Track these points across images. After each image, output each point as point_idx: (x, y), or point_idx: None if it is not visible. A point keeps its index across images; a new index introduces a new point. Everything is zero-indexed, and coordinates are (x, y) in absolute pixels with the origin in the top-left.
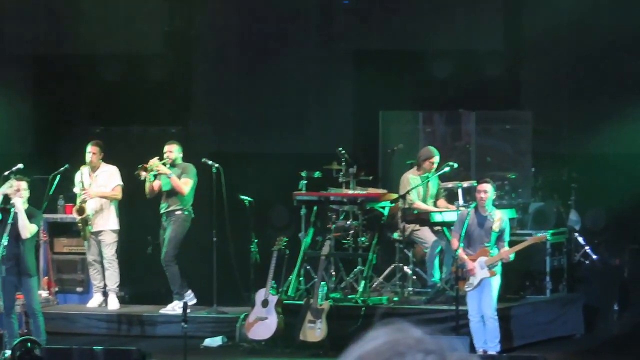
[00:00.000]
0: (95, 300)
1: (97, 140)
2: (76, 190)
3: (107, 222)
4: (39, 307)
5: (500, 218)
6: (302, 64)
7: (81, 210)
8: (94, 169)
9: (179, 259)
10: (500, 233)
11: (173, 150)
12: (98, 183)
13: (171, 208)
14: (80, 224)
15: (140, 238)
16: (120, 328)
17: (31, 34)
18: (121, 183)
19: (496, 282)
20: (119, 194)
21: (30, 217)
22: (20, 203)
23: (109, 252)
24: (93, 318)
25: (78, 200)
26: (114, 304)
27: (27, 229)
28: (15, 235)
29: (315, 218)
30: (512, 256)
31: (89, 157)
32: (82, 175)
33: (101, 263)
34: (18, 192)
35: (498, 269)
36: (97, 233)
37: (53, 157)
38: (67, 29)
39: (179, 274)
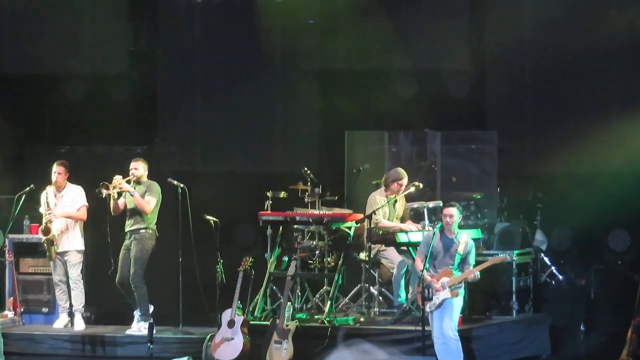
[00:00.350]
0: (61, 321)
1: (63, 160)
2: (42, 210)
3: (73, 243)
4: None
5: (465, 241)
6: (268, 83)
7: (47, 231)
8: (59, 188)
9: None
10: (465, 256)
11: (139, 167)
12: (63, 203)
13: (135, 226)
14: (45, 244)
15: (106, 258)
16: (86, 349)
17: None
18: (86, 204)
19: (458, 302)
20: (84, 215)
21: None
22: None
23: (75, 272)
24: (59, 339)
25: (44, 220)
26: (80, 325)
27: None
28: None
29: (281, 238)
30: (478, 274)
31: (54, 176)
32: (47, 196)
33: (67, 283)
34: None
35: (461, 290)
36: (63, 253)
37: (18, 177)
38: (33, 48)
39: (147, 295)
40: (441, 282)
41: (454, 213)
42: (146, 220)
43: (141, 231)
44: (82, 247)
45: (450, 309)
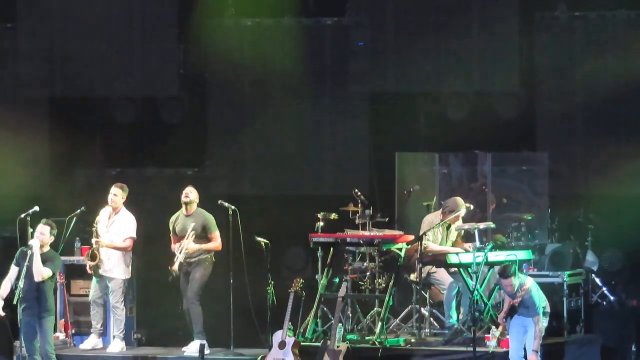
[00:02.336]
0: (89, 342)
1: (122, 183)
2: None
3: (117, 270)
4: (52, 349)
5: (522, 294)
6: (318, 105)
7: (94, 257)
8: (115, 210)
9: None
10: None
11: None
12: (113, 230)
13: (197, 255)
14: (92, 269)
15: (156, 280)
16: None
17: (47, 76)
18: (134, 236)
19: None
20: (129, 247)
21: (46, 260)
22: (36, 245)
23: (114, 298)
24: None
25: (93, 243)
26: (116, 347)
27: (39, 272)
28: (31, 277)
29: (331, 260)
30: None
31: (110, 197)
32: (98, 221)
33: (102, 306)
34: (41, 235)
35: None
36: (106, 278)
37: (69, 199)
38: (82, 71)
39: (201, 314)
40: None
41: (511, 283)
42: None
43: (202, 256)
44: (126, 276)
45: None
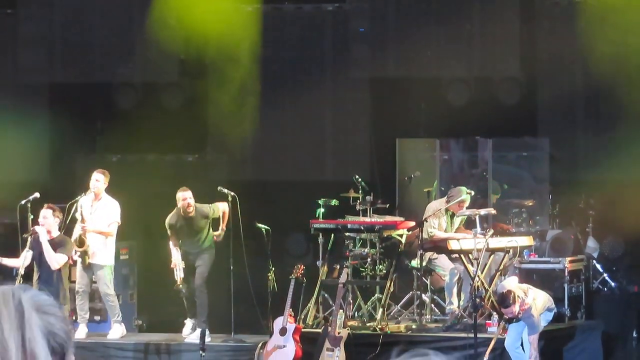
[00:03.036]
0: (80, 331)
1: (103, 169)
2: (78, 216)
3: (103, 258)
4: None
5: (521, 313)
6: (319, 91)
7: (81, 242)
8: (97, 197)
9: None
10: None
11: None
12: (97, 215)
13: (207, 244)
14: (80, 255)
15: (158, 267)
16: (138, 356)
17: (47, 62)
18: (119, 220)
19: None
20: (114, 232)
21: (57, 246)
22: (43, 233)
23: (103, 287)
24: (111, 347)
25: (77, 233)
26: (116, 332)
27: (54, 259)
28: (43, 264)
29: (332, 246)
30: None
31: (93, 184)
32: (81, 206)
33: (88, 293)
34: (44, 219)
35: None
36: (93, 266)
37: (70, 185)
38: (82, 58)
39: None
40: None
41: (512, 310)
42: (212, 235)
43: (209, 247)
44: (110, 262)
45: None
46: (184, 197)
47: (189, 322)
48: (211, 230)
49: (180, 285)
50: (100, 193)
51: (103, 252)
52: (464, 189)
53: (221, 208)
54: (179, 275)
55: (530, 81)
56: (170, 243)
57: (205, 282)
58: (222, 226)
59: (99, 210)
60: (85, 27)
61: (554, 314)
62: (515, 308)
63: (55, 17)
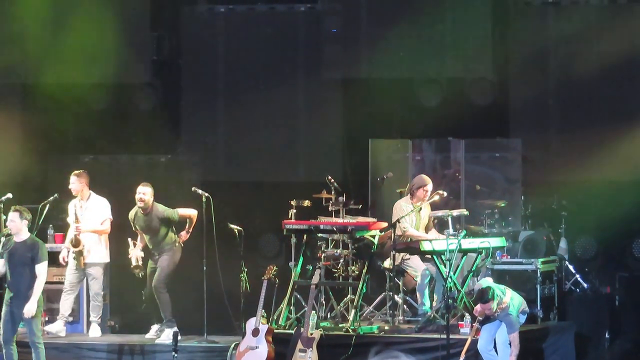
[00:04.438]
0: (54, 327)
1: (78, 170)
2: (69, 220)
3: (96, 256)
4: (40, 339)
5: (502, 307)
6: (291, 92)
7: (77, 243)
8: (83, 198)
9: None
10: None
11: (147, 193)
12: (87, 216)
13: (166, 244)
14: (75, 255)
15: (129, 267)
16: (111, 357)
17: (20, 62)
18: (111, 217)
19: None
20: (108, 229)
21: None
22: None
23: (96, 285)
24: (84, 347)
25: (70, 232)
26: (95, 332)
27: (40, 283)
28: (16, 266)
29: (305, 247)
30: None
31: (73, 187)
32: (75, 207)
33: (75, 293)
34: (12, 222)
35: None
36: (88, 265)
37: (42, 186)
38: (56, 58)
39: (169, 301)
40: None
41: (490, 306)
42: (173, 237)
43: (169, 248)
44: (104, 260)
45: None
46: (140, 191)
47: (154, 327)
48: (172, 233)
49: (137, 270)
50: (84, 193)
51: (98, 250)
52: (424, 175)
53: (185, 213)
54: (133, 261)
55: (502, 82)
56: (130, 238)
57: (163, 283)
58: (188, 229)
59: (89, 210)
60: (58, 28)
61: (527, 315)
62: (494, 305)
63: (28, 17)
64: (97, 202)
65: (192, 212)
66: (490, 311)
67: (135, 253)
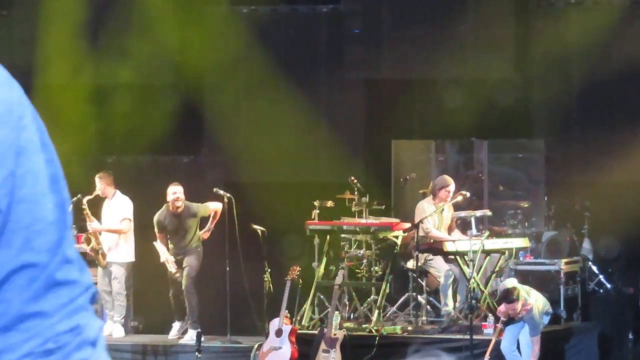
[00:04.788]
0: (113, 330)
1: (101, 172)
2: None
3: (117, 255)
4: None
5: (527, 308)
6: (314, 92)
7: (88, 240)
8: (108, 197)
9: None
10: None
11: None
12: (110, 215)
13: (193, 244)
14: (92, 254)
15: (153, 267)
16: (134, 357)
17: (41, 63)
18: (128, 217)
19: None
20: (125, 228)
21: None
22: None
23: (117, 285)
24: (109, 348)
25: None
26: (118, 333)
27: None
28: None
29: (328, 247)
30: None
31: (98, 188)
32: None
33: (110, 294)
34: None
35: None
36: (111, 264)
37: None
38: (79, 59)
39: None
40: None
41: (515, 307)
42: (198, 235)
43: (196, 247)
44: (127, 260)
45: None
46: (174, 191)
47: (176, 325)
48: (198, 230)
49: (178, 274)
50: (109, 193)
51: (118, 249)
52: (446, 176)
53: (213, 207)
54: (172, 268)
55: (525, 82)
56: (157, 241)
57: (193, 283)
58: (211, 225)
59: (112, 209)
60: (84, 30)
61: (550, 316)
62: (518, 305)
63: (46, 18)
64: (119, 201)
65: (218, 206)
66: (514, 312)
67: (169, 257)
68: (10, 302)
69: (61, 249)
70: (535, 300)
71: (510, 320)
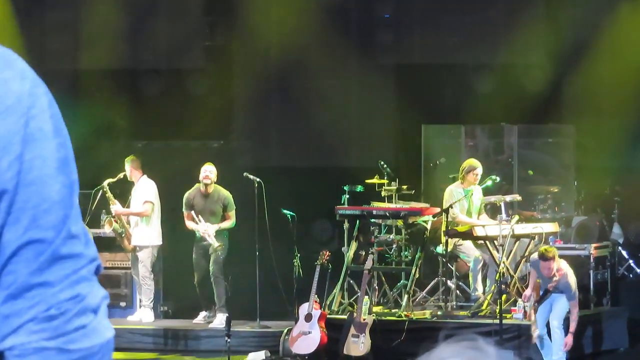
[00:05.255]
0: (138, 314)
1: (131, 155)
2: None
3: (141, 238)
4: None
5: (557, 281)
6: (344, 78)
7: (110, 223)
8: (135, 182)
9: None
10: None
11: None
12: (135, 199)
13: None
14: (117, 237)
15: (184, 251)
16: (164, 342)
17: (72, 48)
18: (150, 199)
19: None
20: (146, 212)
21: None
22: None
23: (142, 268)
24: (136, 333)
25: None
26: (147, 317)
27: None
28: None
29: (357, 232)
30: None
31: (127, 172)
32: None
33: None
34: None
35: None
36: (135, 248)
37: (95, 171)
38: (109, 44)
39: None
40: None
41: (550, 266)
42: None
43: (224, 234)
44: (151, 243)
45: (561, 299)
46: (205, 169)
47: (202, 314)
48: (224, 223)
49: (218, 247)
50: (136, 177)
51: (141, 232)
52: (472, 159)
53: (232, 216)
54: (212, 240)
55: (555, 67)
56: (187, 219)
57: (220, 269)
58: (223, 225)
59: (136, 193)
60: (110, 13)
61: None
62: (554, 265)
63: (80, 3)
64: (143, 184)
65: (233, 222)
66: (549, 271)
67: (208, 229)
68: (18, 274)
69: (66, 226)
70: (568, 267)
71: (544, 296)
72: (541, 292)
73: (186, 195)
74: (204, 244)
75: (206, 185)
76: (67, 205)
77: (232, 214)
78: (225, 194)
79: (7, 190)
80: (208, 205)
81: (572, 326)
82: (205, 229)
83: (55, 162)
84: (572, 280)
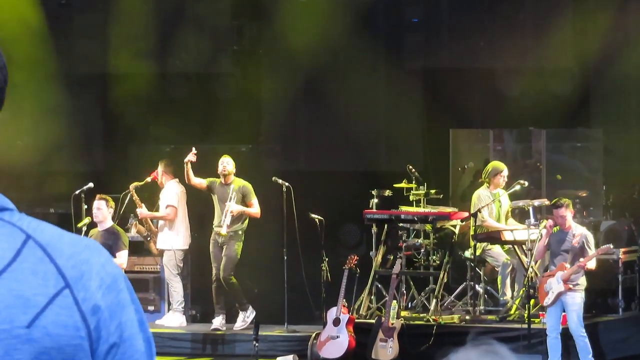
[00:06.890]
0: (166, 318)
1: (164, 159)
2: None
3: (165, 242)
4: None
5: (580, 234)
6: (372, 81)
7: (136, 226)
8: (163, 185)
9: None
10: (579, 249)
11: (230, 162)
12: (161, 203)
13: (236, 226)
14: (145, 240)
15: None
16: (191, 346)
17: (101, 53)
18: (173, 204)
19: (577, 297)
20: (168, 216)
21: (111, 240)
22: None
23: (167, 271)
24: (165, 337)
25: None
26: (177, 321)
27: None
28: None
29: (386, 236)
30: (590, 264)
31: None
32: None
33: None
34: (98, 210)
35: (580, 284)
36: (161, 251)
37: (124, 175)
38: (137, 48)
39: (240, 287)
40: (556, 276)
41: (563, 213)
42: (245, 223)
43: (239, 232)
44: (174, 247)
45: (570, 304)
46: (223, 161)
47: (217, 320)
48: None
49: (222, 236)
50: (163, 182)
51: (165, 236)
52: (496, 161)
53: (255, 207)
54: (224, 224)
55: (583, 71)
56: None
57: (230, 274)
58: (247, 210)
59: (163, 197)
60: (138, 17)
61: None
62: (568, 215)
63: (108, 7)
64: (169, 188)
65: (257, 211)
66: (562, 220)
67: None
68: None
69: None
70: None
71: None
72: (554, 259)
73: (207, 180)
74: (218, 240)
75: (225, 176)
76: (149, 355)
77: (253, 202)
78: (244, 183)
79: (117, 343)
80: (225, 194)
81: (587, 261)
82: (230, 208)
83: (137, 322)
84: (591, 237)
